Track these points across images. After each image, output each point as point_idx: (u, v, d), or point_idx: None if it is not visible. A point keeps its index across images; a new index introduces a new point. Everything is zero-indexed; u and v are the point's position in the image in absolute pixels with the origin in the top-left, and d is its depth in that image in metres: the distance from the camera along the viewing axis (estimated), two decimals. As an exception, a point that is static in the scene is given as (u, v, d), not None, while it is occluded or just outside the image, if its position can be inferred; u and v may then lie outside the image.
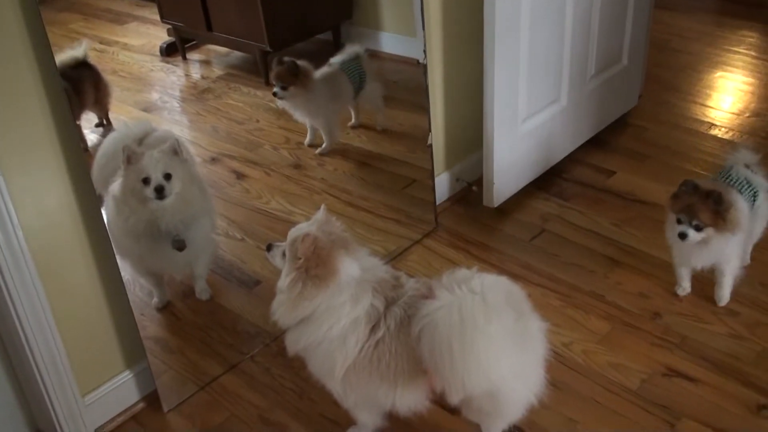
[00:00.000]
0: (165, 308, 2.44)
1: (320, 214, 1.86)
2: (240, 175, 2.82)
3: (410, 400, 1.83)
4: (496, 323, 1.62)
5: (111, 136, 2.29)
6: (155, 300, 2.42)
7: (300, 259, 1.74)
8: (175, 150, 2.16)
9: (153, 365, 2.19)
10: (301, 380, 2.23)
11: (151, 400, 2.24)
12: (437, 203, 2.93)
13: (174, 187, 2.15)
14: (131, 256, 2.25)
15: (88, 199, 1.96)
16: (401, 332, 1.75)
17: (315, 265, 1.74)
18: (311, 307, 1.77)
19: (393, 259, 2.71)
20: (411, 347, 1.72)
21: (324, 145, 2.90)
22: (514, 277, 1.87)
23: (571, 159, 3.20)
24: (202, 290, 2.50)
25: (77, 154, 1.91)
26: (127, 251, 2.21)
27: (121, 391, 2.19)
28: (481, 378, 1.67)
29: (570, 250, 2.73)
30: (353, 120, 3.01)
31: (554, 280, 2.59)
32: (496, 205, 2.91)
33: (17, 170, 1.81)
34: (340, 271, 1.77)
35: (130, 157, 2.11)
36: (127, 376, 2.20)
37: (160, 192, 2.12)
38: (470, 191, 3.05)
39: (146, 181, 2.12)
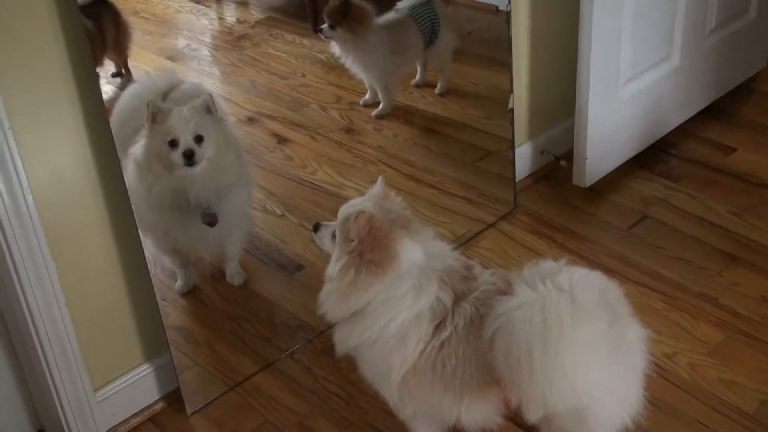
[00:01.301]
0: (190, 293, 2.50)
1: (377, 188, 1.87)
2: (281, 139, 2.86)
3: (479, 414, 1.85)
4: (587, 327, 1.63)
5: (131, 88, 2.33)
6: (179, 283, 2.48)
7: (353, 241, 1.76)
8: (209, 107, 2.18)
9: (176, 359, 2.25)
10: (349, 384, 2.27)
11: (173, 399, 2.30)
12: (517, 180, 2.93)
13: (206, 152, 2.18)
14: (154, 230, 2.31)
15: (109, 161, 2.00)
16: (471, 333, 1.77)
17: (371, 249, 1.76)
18: (366, 298, 1.79)
19: (462, 245, 2.72)
20: (482, 352, 1.73)
21: (381, 106, 2.92)
22: (608, 272, 1.87)
23: (682, 131, 3.17)
24: (234, 274, 2.54)
25: (97, 105, 1.94)
26: (150, 225, 2.26)
27: (138, 387, 2.25)
28: (565, 392, 1.67)
29: (677, 241, 2.72)
30: (418, 77, 3.01)
31: (657, 277, 2.58)
32: (588, 185, 2.90)
33: (26, 121, 1.83)
34: (400, 257, 1.78)
35: (155, 114, 2.14)
36: (146, 370, 2.26)
37: (189, 157, 2.15)
38: (558, 167, 3.04)
39: (173, 143, 2.15)
